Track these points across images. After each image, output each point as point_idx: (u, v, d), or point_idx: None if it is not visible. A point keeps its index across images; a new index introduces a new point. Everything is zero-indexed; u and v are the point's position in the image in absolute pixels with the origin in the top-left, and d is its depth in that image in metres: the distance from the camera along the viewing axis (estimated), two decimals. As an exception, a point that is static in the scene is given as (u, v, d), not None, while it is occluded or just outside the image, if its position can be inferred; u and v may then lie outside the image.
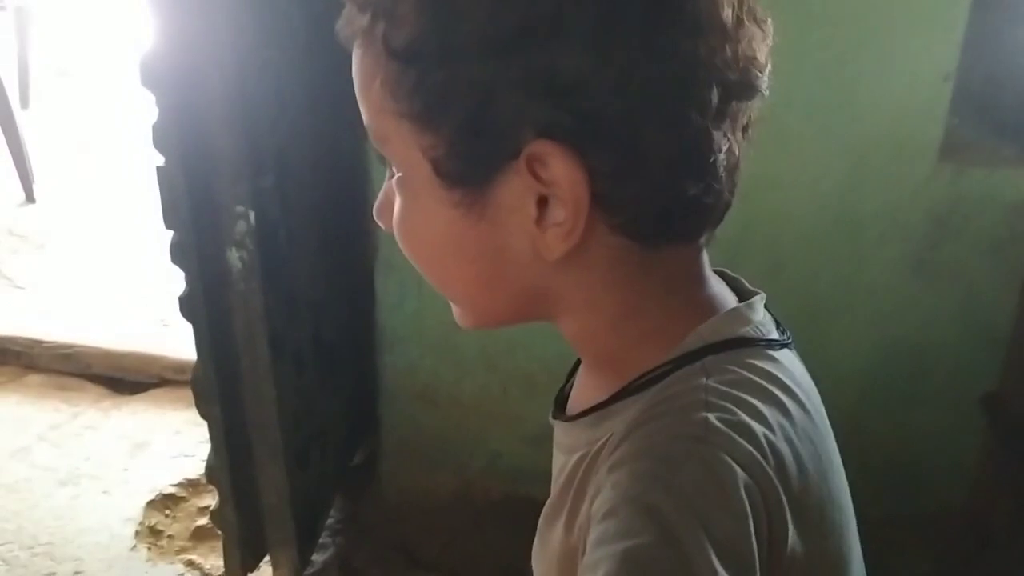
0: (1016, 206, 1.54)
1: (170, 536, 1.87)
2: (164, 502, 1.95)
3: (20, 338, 2.39)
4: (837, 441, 0.57)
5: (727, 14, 0.48)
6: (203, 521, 1.88)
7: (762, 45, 0.50)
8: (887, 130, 1.47)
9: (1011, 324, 1.62)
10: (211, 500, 1.83)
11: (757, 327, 0.55)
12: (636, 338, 0.55)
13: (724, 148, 0.50)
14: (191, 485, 1.99)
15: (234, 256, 1.38)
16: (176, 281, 1.40)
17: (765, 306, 0.58)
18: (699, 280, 0.56)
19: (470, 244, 0.52)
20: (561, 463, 0.59)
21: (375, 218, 0.59)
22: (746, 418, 0.48)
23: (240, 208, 1.35)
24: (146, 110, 1.30)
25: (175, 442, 2.12)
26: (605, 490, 0.48)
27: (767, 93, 0.51)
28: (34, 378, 2.33)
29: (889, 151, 1.49)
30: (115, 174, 3.29)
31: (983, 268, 1.58)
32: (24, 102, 3.74)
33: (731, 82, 0.49)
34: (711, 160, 0.49)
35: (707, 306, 0.55)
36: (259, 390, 1.48)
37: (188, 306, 1.40)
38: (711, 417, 0.48)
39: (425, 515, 1.85)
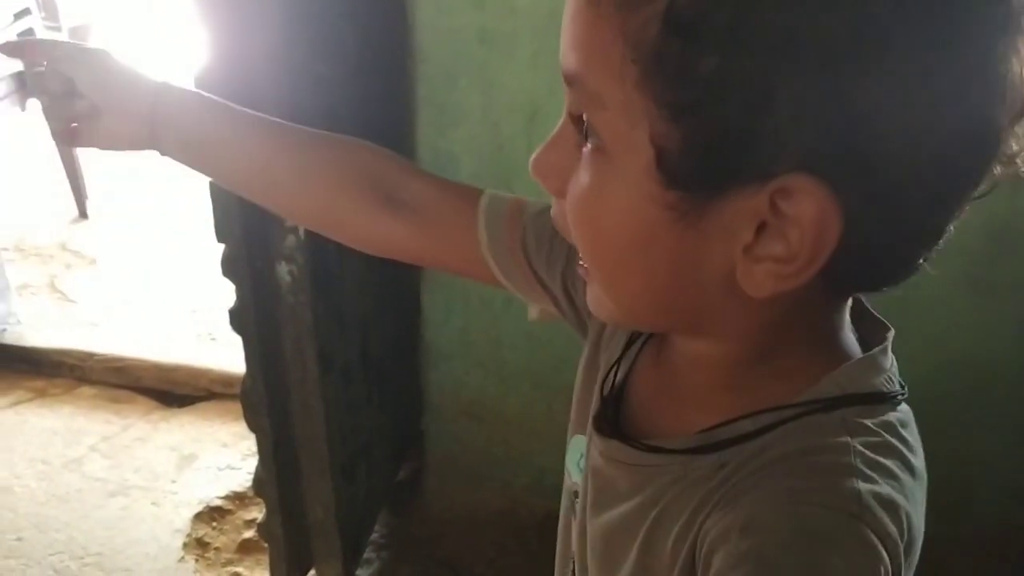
0: (1077, 221, 1.50)
1: (217, 548, 1.89)
2: (211, 514, 1.97)
3: (73, 351, 2.43)
4: None
5: None
6: (250, 534, 1.89)
7: None
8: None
9: (1072, 343, 1.57)
10: (257, 513, 1.84)
11: (890, 377, 0.51)
12: (771, 376, 0.51)
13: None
14: (238, 498, 2.01)
15: (283, 270, 1.39)
16: (224, 296, 1.42)
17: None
18: (843, 318, 0.52)
19: (663, 250, 0.46)
20: (635, 480, 0.55)
21: (532, 173, 0.51)
22: (891, 491, 0.45)
23: (290, 222, 1.36)
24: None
25: (222, 455, 2.14)
26: (737, 544, 0.44)
27: None
28: (87, 390, 2.37)
29: (945, 165, 1.46)
30: (166, 190, 3.34)
31: (1042, 285, 1.54)
32: (79, 120, 3.82)
33: (1010, 155, 0.43)
34: (950, 230, 0.45)
35: (844, 348, 0.52)
36: (307, 404, 1.49)
37: (238, 319, 1.41)
38: (863, 489, 0.44)
39: (470, 531, 1.85)
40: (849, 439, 0.47)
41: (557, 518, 0.71)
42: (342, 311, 1.52)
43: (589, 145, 0.47)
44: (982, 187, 0.45)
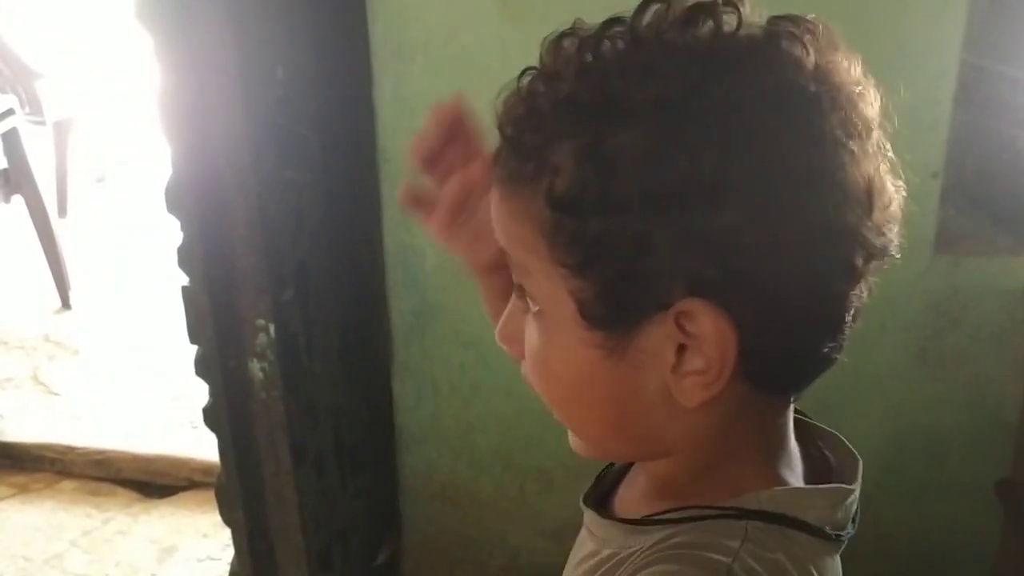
0: (1014, 294, 1.57)
1: (197, 641, 1.90)
2: (191, 607, 1.98)
3: (55, 445, 2.46)
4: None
5: (872, 181, 0.50)
6: (229, 625, 1.90)
7: (897, 203, 0.52)
8: (881, 226, 1.51)
9: (1020, 410, 1.63)
10: (237, 604, 1.85)
11: (836, 523, 0.55)
12: (715, 484, 0.56)
13: (855, 307, 0.52)
14: (218, 589, 2.02)
15: (256, 367, 1.44)
16: (204, 385, 1.46)
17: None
18: (785, 431, 0.58)
19: (604, 384, 0.54)
20: (591, 548, 0.61)
21: (499, 342, 0.60)
22: None
23: (261, 321, 1.41)
24: (172, 232, 1.39)
25: (202, 545, 2.16)
26: None
27: (898, 253, 0.53)
28: (68, 484, 2.39)
29: (884, 246, 1.53)
30: (149, 279, 3.39)
31: (986, 355, 1.61)
32: (62, 211, 3.89)
33: (874, 247, 0.51)
34: (846, 321, 0.52)
35: (780, 472, 0.56)
36: (281, 495, 1.53)
37: (212, 417, 1.45)
38: None
39: (448, 614, 1.87)
40: (739, 544, 0.51)
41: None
42: (314, 403, 1.57)
43: (531, 308, 0.55)
44: (867, 278, 0.52)
